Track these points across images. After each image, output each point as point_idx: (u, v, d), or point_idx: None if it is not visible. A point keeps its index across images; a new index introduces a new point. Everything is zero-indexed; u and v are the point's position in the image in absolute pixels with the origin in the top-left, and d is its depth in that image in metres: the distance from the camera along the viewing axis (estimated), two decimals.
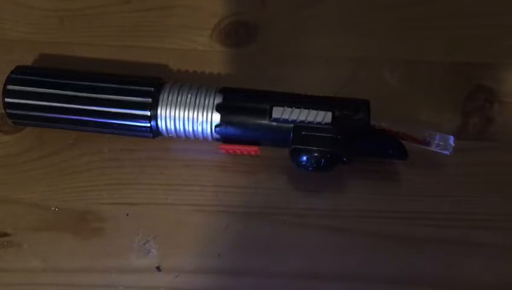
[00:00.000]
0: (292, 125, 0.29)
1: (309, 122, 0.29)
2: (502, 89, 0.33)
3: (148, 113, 0.29)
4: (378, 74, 0.34)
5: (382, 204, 0.31)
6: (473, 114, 0.33)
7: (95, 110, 0.30)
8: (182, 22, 0.36)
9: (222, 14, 0.36)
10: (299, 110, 0.29)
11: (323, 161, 0.29)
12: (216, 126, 0.29)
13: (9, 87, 0.30)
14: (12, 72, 0.31)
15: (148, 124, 0.30)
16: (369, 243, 0.30)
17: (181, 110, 0.29)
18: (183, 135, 0.30)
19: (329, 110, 0.29)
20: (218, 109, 0.29)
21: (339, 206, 0.31)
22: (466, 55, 0.34)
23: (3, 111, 0.31)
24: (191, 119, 0.29)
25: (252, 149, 0.30)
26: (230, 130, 0.29)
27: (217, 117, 0.29)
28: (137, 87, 0.30)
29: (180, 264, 0.30)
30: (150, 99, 0.29)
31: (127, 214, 0.31)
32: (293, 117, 0.29)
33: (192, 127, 0.30)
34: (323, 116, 0.29)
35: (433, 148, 0.31)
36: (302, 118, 0.29)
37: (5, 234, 0.30)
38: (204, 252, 0.30)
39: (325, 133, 0.29)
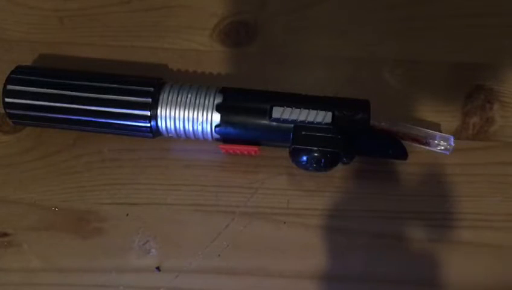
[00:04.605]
0: (292, 125, 0.29)
1: (309, 122, 0.29)
2: (502, 89, 0.33)
3: (148, 113, 0.29)
4: (378, 74, 0.34)
5: (382, 204, 0.31)
6: (473, 114, 0.33)
7: (95, 110, 0.30)
8: (182, 22, 0.36)
9: (222, 14, 0.36)
10: (299, 110, 0.29)
11: (323, 160, 0.29)
12: (216, 126, 0.29)
13: (9, 87, 0.30)
14: (12, 72, 0.31)
15: (148, 124, 0.30)
16: (369, 243, 0.30)
17: (181, 110, 0.29)
18: (183, 135, 0.30)
19: (329, 110, 0.29)
20: (218, 109, 0.29)
21: (339, 206, 0.31)
22: (466, 55, 0.34)
23: (3, 111, 0.31)
24: (191, 119, 0.30)
25: (252, 149, 0.30)
26: (230, 130, 0.29)
27: (217, 117, 0.29)
28: (137, 87, 0.30)
29: (180, 264, 0.30)
30: (150, 99, 0.29)
31: (127, 214, 0.31)
32: (293, 117, 0.29)
33: (192, 127, 0.30)
34: (323, 116, 0.29)
35: (433, 148, 0.31)
36: (302, 118, 0.29)
37: (5, 234, 0.30)
38: (204, 252, 0.30)
39: (325, 133, 0.29)
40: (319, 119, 0.29)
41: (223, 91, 0.30)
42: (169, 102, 0.30)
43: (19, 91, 0.30)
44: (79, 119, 0.30)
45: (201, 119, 0.29)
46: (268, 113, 0.29)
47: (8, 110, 0.30)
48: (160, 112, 0.30)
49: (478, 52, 0.34)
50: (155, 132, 0.30)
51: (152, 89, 0.30)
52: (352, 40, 0.35)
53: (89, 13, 0.36)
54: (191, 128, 0.30)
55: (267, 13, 0.36)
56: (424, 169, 0.31)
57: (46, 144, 0.32)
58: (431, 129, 0.31)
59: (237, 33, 0.35)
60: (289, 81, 0.34)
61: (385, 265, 0.30)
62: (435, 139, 0.31)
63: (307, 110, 0.29)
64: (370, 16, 0.36)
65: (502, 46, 0.35)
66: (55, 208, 0.31)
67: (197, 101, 0.30)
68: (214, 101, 0.29)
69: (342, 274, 0.29)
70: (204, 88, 0.30)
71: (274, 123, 0.29)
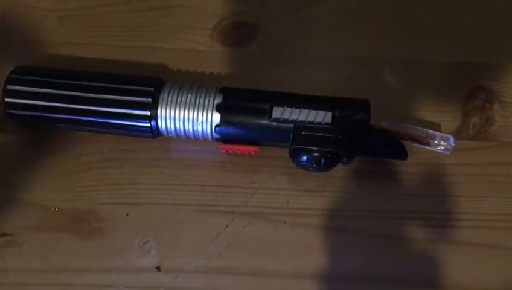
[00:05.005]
0: (292, 125, 0.29)
1: (309, 122, 0.29)
2: (502, 89, 0.33)
3: (148, 113, 0.29)
4: (378, 74, 0.34)
5: (382, 204, 0.31)
6: (473, 114, 0.33)
7: (95, 110, 0.30)
8: (182, 22, 0.36)
9: (222, 14, 0.36)
10: (299, 110, 0.29)
11: (323, 161, 0.29)
12: (216, 126, 0.29)
13: (9, 87, 0.30)
14: (12, 72, 0.31)
15: (148, 124, 0.30)
16: (369, 243, 0.30)
17: (181, 110, 0.29)
18: (183, 135, 0.30)
19: (329, 110, 0.29)
20: (218, 109, 0.29)
21: (339, 206, 0.31)
22: (466, 55, 0.34)
23: (3, 111, 0.31)
24: (191, 119, 0.30)
25: (252, 149, 0.30)
26: (230, 130, 0.29)
27: (217, 117, 0.29)
28: (137, 87, 0.30)
29: (180, 264, 0.30)
30: (150, 99, 0.29)
31: (127, 214, 0.31)
32: (293, 117, 0.29)
33: (192, 127, 0.30)
34: (323, 116, 0.29)
35: (433, 148, 0.31)
36: (302, 118, 0.29)
37: (5, 234, 0.30)
38: (204, 252, 0.30)
39: (325, 133, 0.29)
40: (319, 119, 0.29)
41: (223, 91, 0.30)
42: (169, 102, 0.30)
43: (19, 91, 0.30)
44: (79, 119, 0.30)
45: (201, 119, 0.29)
46: (268, 113, 0.29)
47: (8, 110, 0.30)
48: (160, 112, 0.30)
49: (478, 52, 0.34)
50: (155, 132, 0.30)
51: (152, 89, 0.30)
52: (352, 40, 0.35)
53: (89, 13, 0.36)
54: (191, 129, 0.30)
55: (267, 13, 0.36)
56: (424, 169, 0.31)
57: (46, 144, 0.32)
58: (431, 129, 0.31)
59: (237, 33, 0.35)
60: (289, 81, 0.34)
61: (385, 265, 0.30)
62: (435, 139, 0.31)
63: (307, 110, 0.29)
64: (370, 16, 0.36)
65: (502, 46, 0.35)
66: (55, 208, 0.31)
67: (197, 101, 0.30)
68: (214, 101, 0.29)
69: (342, 274, 0.29)
70: (204, 88, 0.30)
71: (274, 123, 0.29)
